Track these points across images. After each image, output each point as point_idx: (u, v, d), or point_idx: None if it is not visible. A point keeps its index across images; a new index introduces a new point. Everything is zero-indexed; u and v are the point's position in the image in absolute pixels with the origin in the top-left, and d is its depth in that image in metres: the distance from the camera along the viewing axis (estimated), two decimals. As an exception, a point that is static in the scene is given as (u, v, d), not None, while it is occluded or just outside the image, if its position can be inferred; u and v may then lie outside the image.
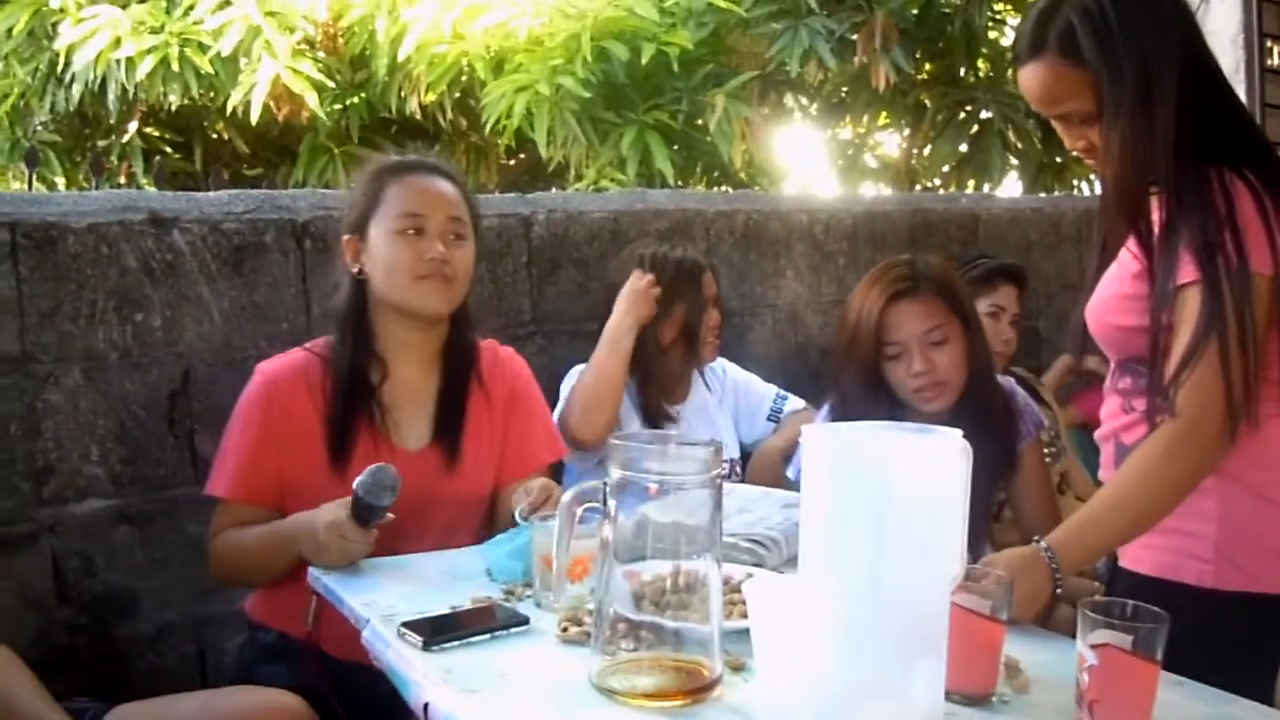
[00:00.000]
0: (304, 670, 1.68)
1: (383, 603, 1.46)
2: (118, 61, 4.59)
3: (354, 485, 1.60)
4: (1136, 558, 1.56)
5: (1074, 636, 1.13)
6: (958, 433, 1.05)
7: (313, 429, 1.81)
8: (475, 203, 1.96)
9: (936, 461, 1.03)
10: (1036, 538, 1.44)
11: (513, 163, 5.87)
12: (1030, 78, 1.53)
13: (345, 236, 1.88)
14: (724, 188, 5.05)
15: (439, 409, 1.88)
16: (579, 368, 2.38)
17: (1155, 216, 1.50)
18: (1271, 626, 1.53)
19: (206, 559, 1.85)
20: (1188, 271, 1.43)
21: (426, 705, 1.18)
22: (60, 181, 5.40)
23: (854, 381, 1.98)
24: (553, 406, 2.34)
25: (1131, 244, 1.53)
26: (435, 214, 1.85)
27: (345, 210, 1.93)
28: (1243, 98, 2.91)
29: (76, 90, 4.83)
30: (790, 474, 2.15)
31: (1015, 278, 2.67)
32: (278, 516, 1.78)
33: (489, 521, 1.93)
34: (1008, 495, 2.14)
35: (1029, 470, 2.06)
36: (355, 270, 1.87)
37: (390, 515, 1.63)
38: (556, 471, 2.10)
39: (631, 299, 2.31)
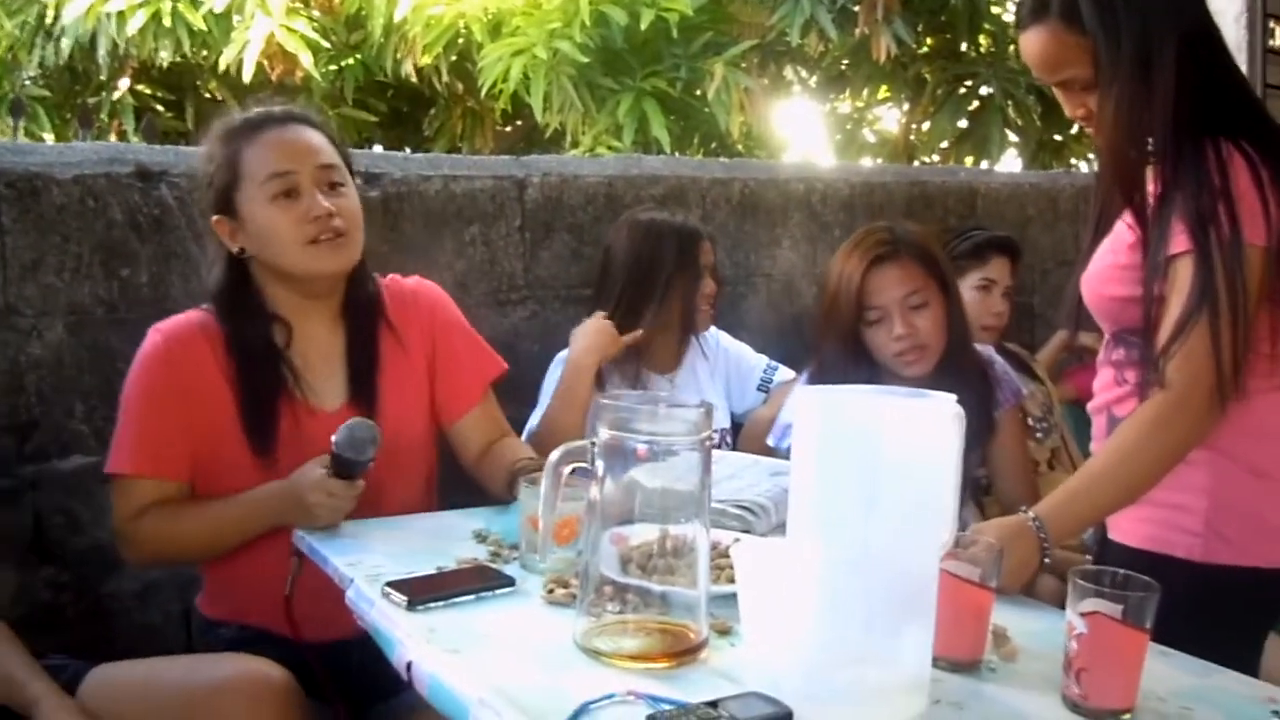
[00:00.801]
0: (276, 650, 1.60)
1: (368, 563, 1.45)
2: (108, 16, 4.55)
3: (332, 443, 1.58)
4: (1126, 530, 1.55)
5: (1058, 608, 1.12)
6: (951, 397, 1.04)
7: (220, 392, 1.69)
8: (346, 147, 1.82)
9: (928, 426, 1.02)
10: (1024, 508, 1.43)
11: (509, 129, 5.83)
12: (1031, 43, 1.52)
13: (214, 217, 1.72)
14: (721, 159, 5.03)
15: (349, 365, 1.78)
16: (561, 358, 2.32)
17: (1151, 188, 1.49)
18: (1259, 600, 1.53)
19: (123, 543, 1.73)
20: (1180, 242, 1.42)
21: (410, 664, 1.17)
22: (49, 137, 5.34)
23: (834, 346, 1.99)
24: (535, 383, 2.33)
25: (1127, 215, 1.53)
26: (304, 167, 1.69)
27: (201, 188, 1.77)
28: (1245, 76, 2.89)
29: (66, 45, 4.77)
30: (770, 441, 2.15)
31: (1007, 250, 2.65)
32: (188, 493, 1.71)
33: (437, 461, 1.89)
34: (987, 465, 2.15)
35: (1006, 438, 2.10)
36: (237, 250, 1.72)
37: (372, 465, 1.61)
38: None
39: (594, 337, 2.23)
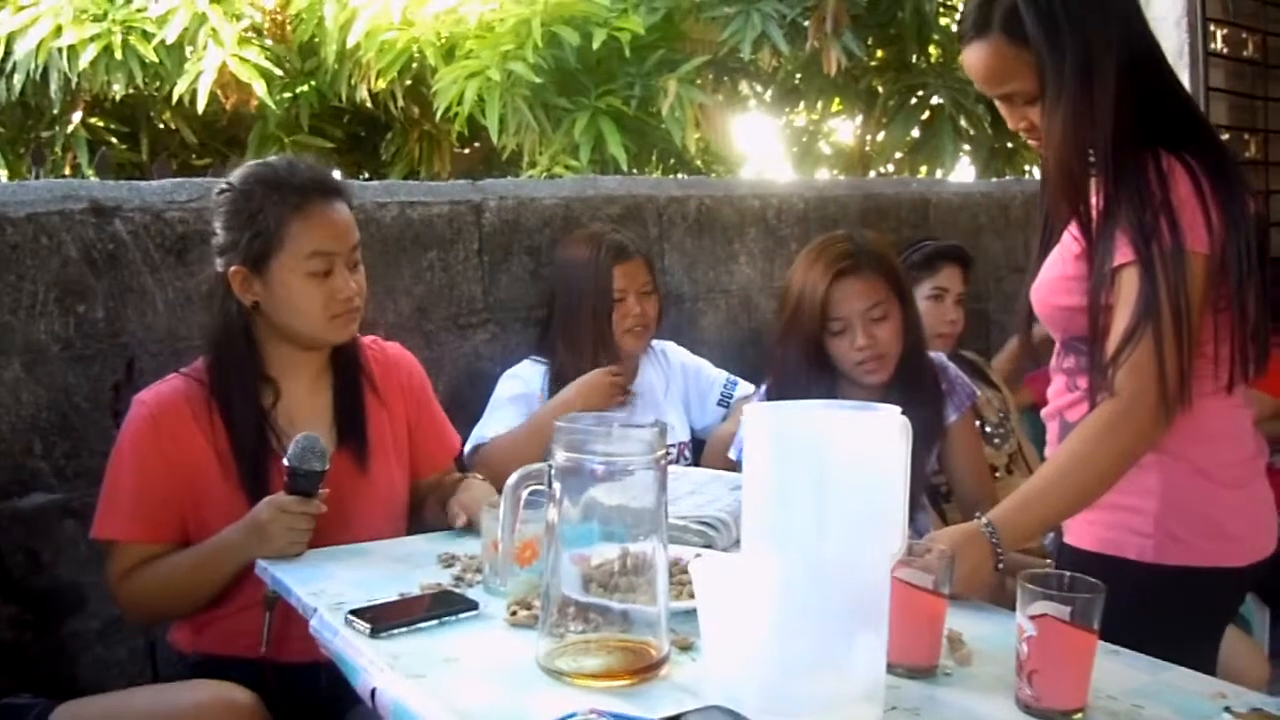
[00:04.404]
0: (240, 682, 1.61)
1: (331, 591, 1.46)
2: (60, 50, 4.51)
3: (285, 461, 1.62)
4: (1079, 534, 1.58)
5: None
6: (896, 410, 1.07)
7: (205, 458, 1.74)
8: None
9: (875, 438, 1.05)
10: (978, 514, 1.46)
11: (467, 151, 5.83)
12: (974, 57, 1.54)
13: (233, 267, 1.75)
14: (678, 175, 5.05)
15: (337, 417, 1.84)
16: (513, 374, 2.36)
17: (1094, 199, 1.52)
18: (1212, 599, 1.57)
19: (116, 602, 1.79)
20: (1124, 253, 1.45)
21: (374, 691, 1.18)
22: (2, 174, 5.29)
23: (796, 355, 2.03)
24: (484, 398, 2.36)
25: (1073, 226, 1.55)
26: (342, 249, 1.77)
27: (224, 229, 1.77)
28: (1186, 82, 2.96)
29: (18, 80, 4.72)
30: (732, 455, 2.18)
31: (958, 258, 2.69)
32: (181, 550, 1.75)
33: (411, 516, 1.94)
34: (944, 471, 2.19)
35: (961, 443, 2.15)
36: (248, 303, 1.77)
37: (325, 490, 1.64)
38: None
39: (594, 391, 2.26)
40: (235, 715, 1.49)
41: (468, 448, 2.24)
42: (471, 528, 1.73)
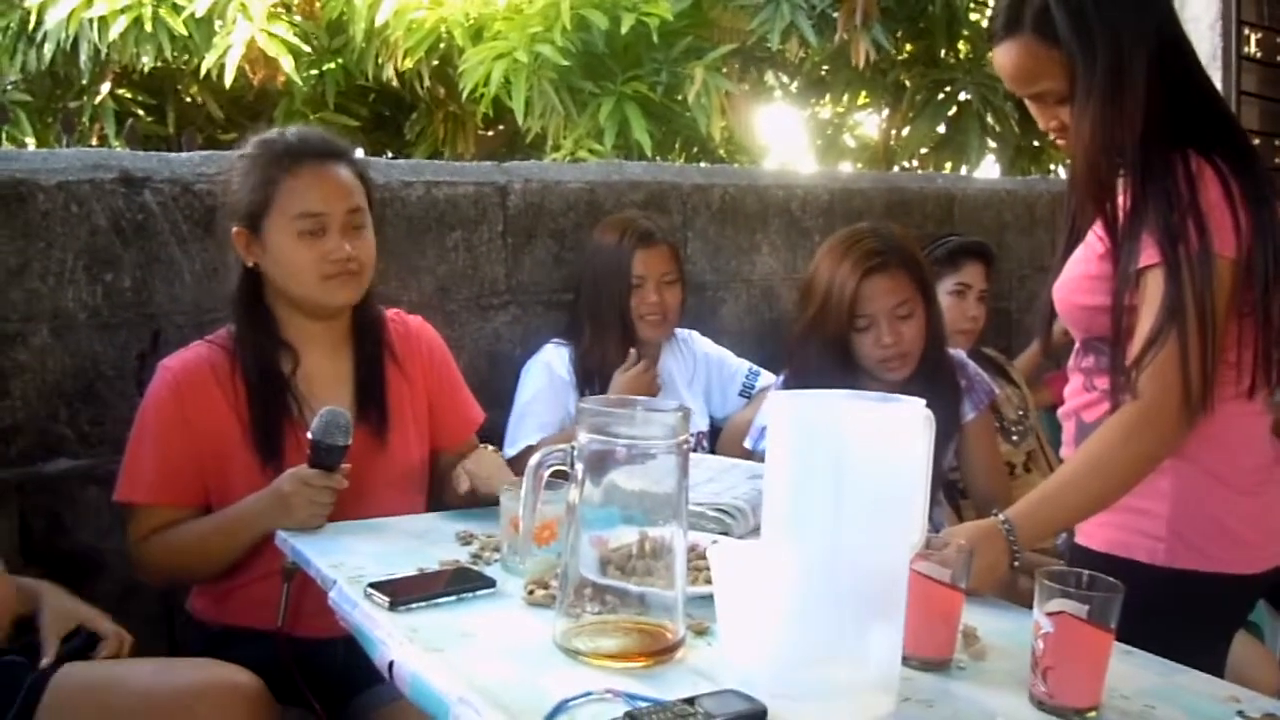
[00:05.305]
0: (259, 654, 1.63)
1: (351, 564, 1.47)
2: (90, 21, 4.54)
3: (308, 435, 1.64)
4: (1090, 534, 1.58)
5: (1030, 609, 1.15)
6: (920, 401, 1.07)
7: (228, 424, 1.76)
8: (371, 182, 1.89)
9: (898, 429, 1.05)
10: (995, 511, 1.46)
11: (490, 134, 5.84)
12: (1005, 56, 1.53)
13: (234, 228, 1.79)
14: (702, 163, 5.05)
15: (357, 388, 1.85)
16: (536, 363, 2.37)
17: (1122, 199, 1.51)
18: (1222, 604, 1.56)
19: (133, 563, 1.81)
20: (1150, 255, 1.44)
21: (392, 663, 1.19)
22: (31, 142, 5.33)
23: (819, 350, 2.03)
24: (506, 382, 2.37)
25: (1098, 225, 1.55)
26: (334, 210, 1.76)
27: (229, 192, 1.82)
28: (1219, 85, 2.93)
29: (48, 49, 4.77)
30: (748, 444, 2.18)
31: (981, 255, 2.69)
32: (203, 515, 1.77)
33: (431, 490, 1.95)
34: (960, 467, 2.19)
35: (977, 439, 2.15)
36: (250, 264, 1.79)
37: (347, 465, 1.65)
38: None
39: (633, 386, 2.29)
40: (238, 696, 1.47)
41: (506, 452, 2.23)
42: (474, 494, 1.76)
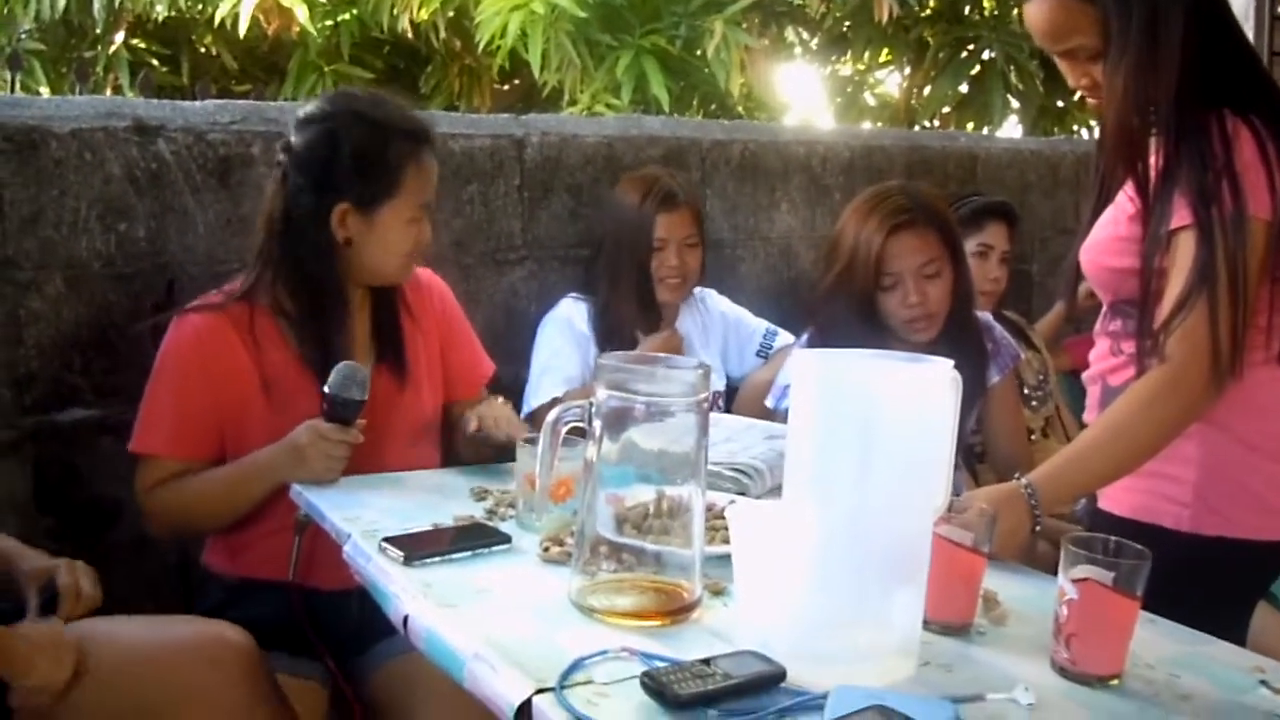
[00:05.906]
0: (274, 607, 1.65)
1: (365, 519, 1.46)
2: (105, -32, 4.49)
3: (325, 388, 1.62)
4: (1115, 499, 1.56)
5: (1052, 574, 1.13)
6: (948, 362, 1.05)
7: (247, 374, 1.74)
8: None
9: (925, 390, 1.03)
10: (1018, 475, 1.44)
11: (506, 87, 5.78)
12: (1036, 11, 1.49)
13: (342, 204, 1.73)
14: (721, 120, 5.00)
15: (376, 334, 1.85)
16: (554, 319, 2.35)
17: (1154, 159, 1.48)
18: (1246, 571, 1.54)
19: (144, 511, 1.80)
20: (1182, 216, 1.42)
21: (406, 618, 1.19)
22: (45, 91, 5.30)
23: (844, 308, 2.01)
24: (521, 337, 2.35)
25: (1128, 186, 1.52)
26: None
27: (332, 164, 1.73)
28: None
29: (62, -3, 4.72)
30: (769, 403, 2.16)
31: (1004, 215, 2.65)
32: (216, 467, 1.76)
33: (443, 444, 1.95)
34: (981, 430, 2.17)
35: (1002, 403, 2.14)
36: (343, 240, 1.75)
37: (363, 420, 1.64)
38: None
39: (658, 349, 2.27)
40: (229, 652, 1.47)
41: (524, 412, 2.23)
42: (479, 447, 1.77)
